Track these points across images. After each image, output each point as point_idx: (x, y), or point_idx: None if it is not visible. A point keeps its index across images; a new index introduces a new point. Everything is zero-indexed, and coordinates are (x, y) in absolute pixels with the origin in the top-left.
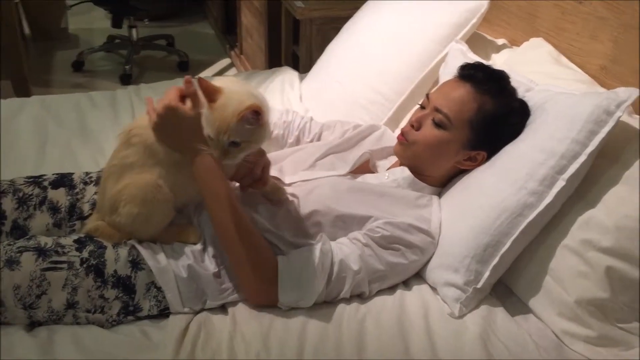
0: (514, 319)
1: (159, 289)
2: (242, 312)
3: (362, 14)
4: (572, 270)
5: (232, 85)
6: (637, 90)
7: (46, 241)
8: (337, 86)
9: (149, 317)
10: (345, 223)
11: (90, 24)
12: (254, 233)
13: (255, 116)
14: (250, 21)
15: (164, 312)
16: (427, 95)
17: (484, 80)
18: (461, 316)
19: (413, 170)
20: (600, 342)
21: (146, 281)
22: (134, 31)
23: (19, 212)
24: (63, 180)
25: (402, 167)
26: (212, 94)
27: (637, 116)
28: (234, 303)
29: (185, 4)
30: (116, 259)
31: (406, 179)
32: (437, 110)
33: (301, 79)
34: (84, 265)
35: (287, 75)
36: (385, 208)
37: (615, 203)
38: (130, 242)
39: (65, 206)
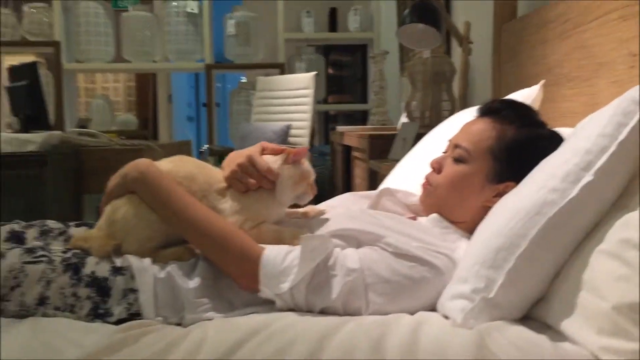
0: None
1: (135, 293)
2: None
3: None
4: (610, 275)
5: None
6: None
7: (40, 244)
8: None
9: (119, 322)
10: (356, 239)
11: None
12: (227, 225)
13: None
14: None
15: (134, 318)
16: (449, 141)
17: (502, 109)
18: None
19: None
20: None
21: (124, 287)
22: None
23: (38, 240)
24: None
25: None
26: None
27: None
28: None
29: None
30: (97, 262)
31: (431, 219)
32: (456, 146)
33: None
34: (64, 263)
35: None
36: (404, 231)
37: None
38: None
39: None
